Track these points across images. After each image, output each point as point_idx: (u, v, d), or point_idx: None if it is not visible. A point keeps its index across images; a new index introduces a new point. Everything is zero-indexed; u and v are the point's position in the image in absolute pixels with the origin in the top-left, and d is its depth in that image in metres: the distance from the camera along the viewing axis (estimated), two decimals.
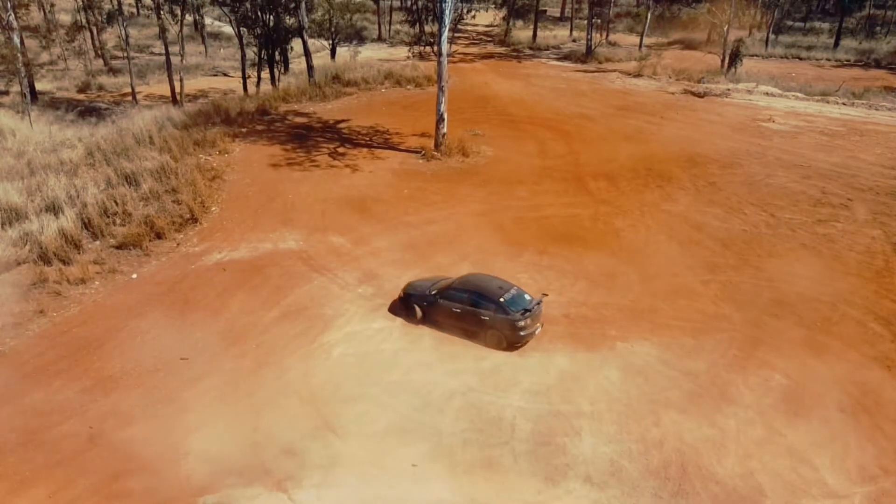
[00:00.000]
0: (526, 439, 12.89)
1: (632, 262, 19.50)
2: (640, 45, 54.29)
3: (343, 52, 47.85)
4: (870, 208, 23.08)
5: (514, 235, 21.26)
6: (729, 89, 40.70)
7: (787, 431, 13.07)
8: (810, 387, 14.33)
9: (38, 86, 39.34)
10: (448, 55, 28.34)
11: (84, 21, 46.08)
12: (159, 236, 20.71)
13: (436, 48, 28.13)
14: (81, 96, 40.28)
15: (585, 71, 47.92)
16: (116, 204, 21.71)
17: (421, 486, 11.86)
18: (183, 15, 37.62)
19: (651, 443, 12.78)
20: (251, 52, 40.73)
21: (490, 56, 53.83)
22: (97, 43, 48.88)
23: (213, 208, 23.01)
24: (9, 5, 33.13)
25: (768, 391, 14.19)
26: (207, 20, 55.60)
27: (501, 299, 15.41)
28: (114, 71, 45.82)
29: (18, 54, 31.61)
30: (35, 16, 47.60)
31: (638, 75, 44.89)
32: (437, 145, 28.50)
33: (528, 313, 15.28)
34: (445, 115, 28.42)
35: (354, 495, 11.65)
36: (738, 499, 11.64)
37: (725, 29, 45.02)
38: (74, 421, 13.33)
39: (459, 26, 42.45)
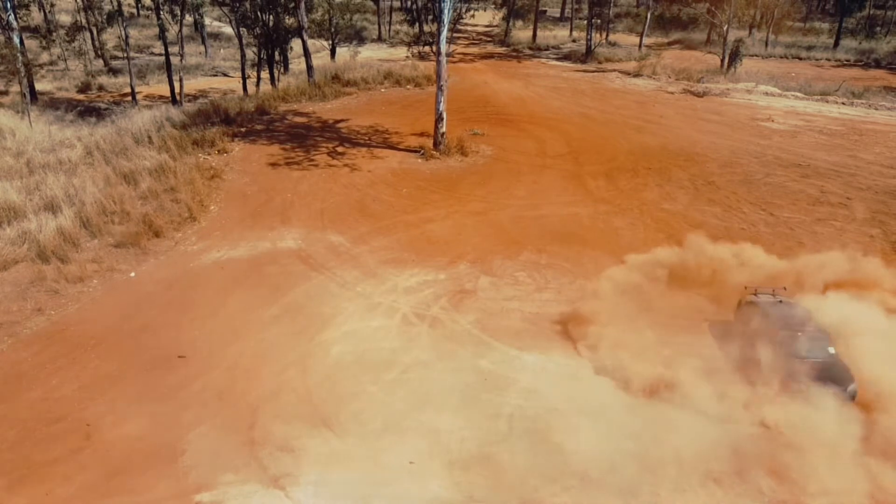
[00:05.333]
0: (523, 437, 12.87)
1: None
2: (640, 45, 54.30)
3: (343, 52, 47.87)
4: (869, 207, 23.05)
5: (513, 234, 21.26)
6: (728, 89, 40.68)
7: None
8: None
9: (38, 86, 39.37)
10: (447, 55, 28.33)
11: (84, 21, 46.07)
12: (158, 235, 20.72)
13: (435, 48, 28.13)
14: (81, 96, 40.29)
15: (585, 71, 47.92)
16: (115, 203, 21.72)
17: (418, 483, 11.85)
18: (183, 15, 37.58)
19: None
20: (251, 53, 40.76)
21: (490, 56, 53.84)
22: (97, 43, 48.90)
23: (212, 207, 23.02)
24: (9, 5, 33.18)
25: None
26: (207, 20, 55.58)
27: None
28: (114, 71, 45.84)
29: (18, 54, 31.63)
30: (35, 16, 47.67)
31: (638, 75, 44.90)
32: (436, 144, 28.50)
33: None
34: (445, 115, 28.42)
35: (352, 493, 11.64)
36: None
37: (725, 29, 45.03)
38: (72, 419, 13.33)
39: (459, 26, 42.44)
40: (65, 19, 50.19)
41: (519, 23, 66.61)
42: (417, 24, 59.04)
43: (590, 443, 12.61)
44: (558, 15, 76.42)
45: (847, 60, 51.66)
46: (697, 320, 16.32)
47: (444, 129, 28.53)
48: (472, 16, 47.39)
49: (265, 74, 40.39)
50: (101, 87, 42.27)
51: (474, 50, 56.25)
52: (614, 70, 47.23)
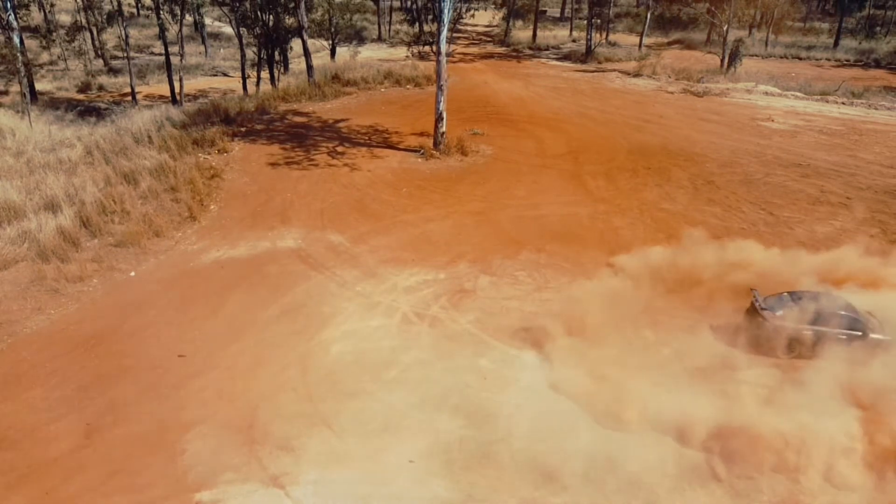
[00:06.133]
0: (523, 436, 12.87)
1: None
2: (640, 45, 54.32)
3: (343, 52, 47.90)
4: (868, 207, 23.05)
5: (513, 234, 21.27)
6: (728, 88, 40.69)
7: None
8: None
9: (38, 86, 39.39)
10: (447, 55, 28.34)
11: (84, 21, 46.09)
12: (158, 235, 20.73)
13: (435, 48, 28.14)
14: (81, 96, 40.32)
15: (585, 71, 47.94)
16: (115, 202, 21.73)
17: (418, 482, 11.86)
18: (183, 15, 37.62)
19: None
20: (251, 52, 40.77)
21: (490, 56, 53.85)
22: (97, 43, 48.94)
23: (212, 207, 23.03)
24: (9, 5, 33.21)
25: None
26: (207, 20, 55.65)
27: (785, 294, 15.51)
28: (114, 71, 45.87)
29: (18, 54, 31.66)
30: (35, 16, 47.71)
31: (637, 75, 44.91)
32: (436, 144, 28.51)
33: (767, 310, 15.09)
34: (444, 115, 28.42)
35: (351, 492, 11.65)
36: None
37: (725, 29, 45.05)
38: (72, 418, 13.33)
39: (459, 26, 42.51)
40: (65, 19, 50.21)
41: (519, 23, 66.64)
42: (417, 24, 59.09)
43: (590, 442, 12.63)
44: (558, 15, 76.45)
45: (847, 60, 51.68)
46: (697, 323, 16.31)
47: (443, 129, 28.54)
48: (472, 16, 47.41)
49: (265, 74, 40.40)
50: (101, 87, 42.31)
51: (474, 50, 56.27)
52: (614, 70, 47.23)
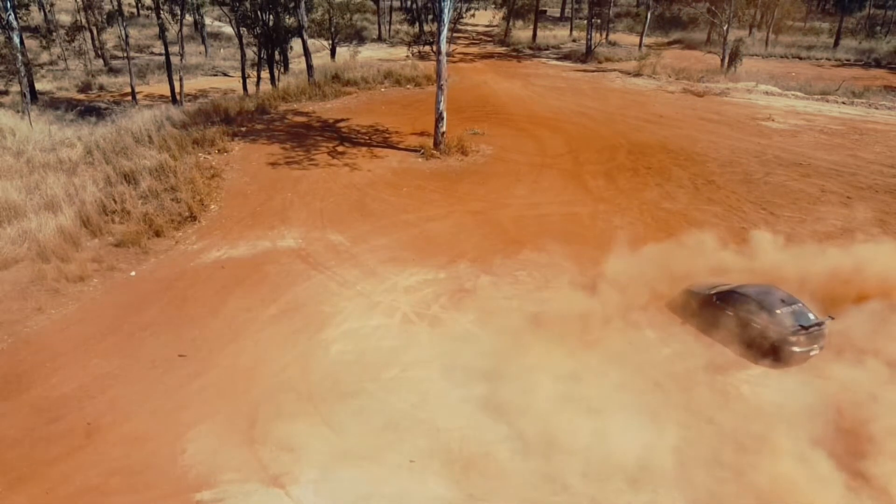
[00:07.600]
0: (523, 436, 12.85)
1: None
2: (640, 45, 54.30)
3: (343, 51, 47.92)
4: (869, 206, 23.02)
5: (513, 233, 21.26)
6: (728, 88, 40.69)
7: None
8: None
9: (39, 86, 39.39)
10: (448, 54, 28.34)
11: (84, 21, 46.14)
12: (158, 234, 20.74)
13: (435, 47, 28.13)
14: (81, 96, 40.33)
15: (585, 70, 47.93)
16: (115, 202, 21.75)
17: (418, 481, 11.85)
18: (183, 15, 37.68)
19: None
20: (251, 52, 40.78)
21: (490, 56, 53.84)
22: (97, 43, 48.97)
23: (212, 206, 23.02)
24: (9, 5, 33.21)
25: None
26: (207, 20, 55.69)
27: (778, 311, 14.91)
28: (114, 71, 45.90)
29: (18, 54, 31.69)
30: (35, 16, 47.74)
31: (638, 75, 44.90)
32: (436, 144, 28.50)
33: (804, 331, 14.65)
34: (445, 114, 28.42)
35: (352, 491, 11.64)
36: None
37: (725, 28, 45.05)
38: (72, 417, 13.33)
39: (459, 26, 42.49)
40: (65, 19, 50.25)
41: (519, 23, 66.61)
42: (417, 24, 59.11)
43: (589, 442, 12.60)
44: (558, 15, 76.48)
45: (847, 60, 51.68)
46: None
47: (444, 129, 28.54)
48: (472, 16, 47.46)
49: (265, 74, 40.41)
50: (101, 87, 42.33)
51: (474, 50, 56.26)
52: (614, 70, 47.22)
